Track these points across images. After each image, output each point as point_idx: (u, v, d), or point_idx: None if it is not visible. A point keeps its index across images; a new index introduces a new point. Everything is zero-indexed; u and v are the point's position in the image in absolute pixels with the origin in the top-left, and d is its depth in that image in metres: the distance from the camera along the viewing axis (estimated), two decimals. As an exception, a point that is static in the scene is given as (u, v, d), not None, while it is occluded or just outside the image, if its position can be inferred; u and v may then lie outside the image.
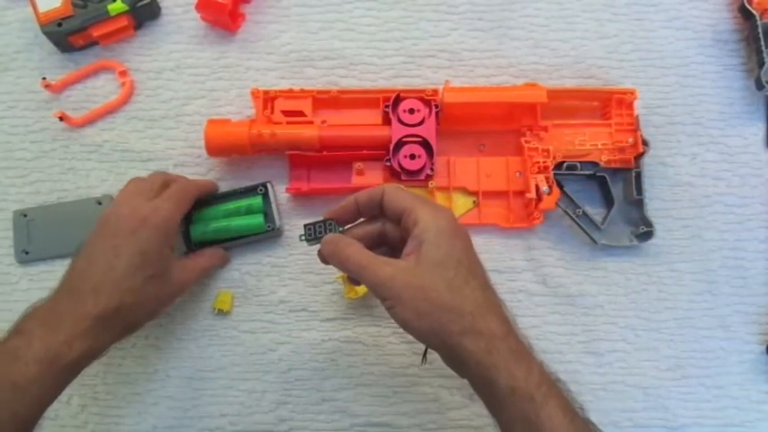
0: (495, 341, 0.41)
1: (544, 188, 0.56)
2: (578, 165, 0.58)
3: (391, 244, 0.47)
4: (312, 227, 0.47)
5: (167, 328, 0.59)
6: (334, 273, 0.58)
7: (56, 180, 0.61)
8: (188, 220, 0.58)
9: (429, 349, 0.44)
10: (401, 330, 0.57)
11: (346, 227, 0.47)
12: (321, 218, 0.47)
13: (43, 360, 0.44)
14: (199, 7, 0.61)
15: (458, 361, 0.42)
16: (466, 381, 0.57)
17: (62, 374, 0.46)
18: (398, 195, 0.44)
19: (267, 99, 0.59)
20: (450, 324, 0.41)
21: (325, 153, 0.58)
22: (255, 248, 0.60)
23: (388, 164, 0.57)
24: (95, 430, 0.57)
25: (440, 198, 0.58)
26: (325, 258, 0.46)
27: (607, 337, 0.58)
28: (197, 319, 0.59)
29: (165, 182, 0.54)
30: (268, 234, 0.58)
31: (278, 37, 0.63)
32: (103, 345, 0.48)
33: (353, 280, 0.49)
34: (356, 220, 0.47)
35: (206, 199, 0.58)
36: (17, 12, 0.64)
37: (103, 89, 0.63)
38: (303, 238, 0.47)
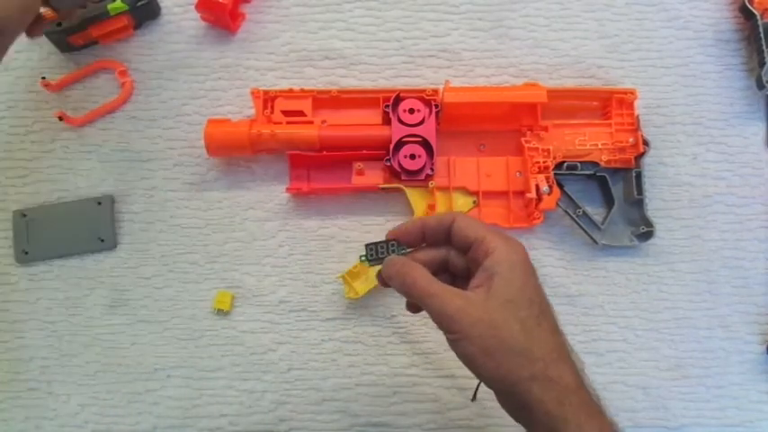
0: (568, 392, 0.38)
1: (544, 188, 0.56)
2: (578, 165, 0.58)
3: (453, 272, 0.45)
4: (374, 247, 0.45)
5: (167, 327, 0.59)
6: (334, 273, 0.59)
7: (55, 180, 0.61)
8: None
9: (473, 382, 0.42)
10: (401, 330, 0.58)
11: (408, 250, 0.45)
12: (383, 239, 0.45)
13: None
14: (199, 7, 0.61)
15: (522, 407, 0.39)
16: (467, 381, 0.57)
17: None
18: (470, 224, 0.42)
19: (267, 99, 0.59)
20: (519, 368, 0.38)
21: (325, 153, 0.58)
22: (255, 248, 0.60)
23: (388, 164, 0.57)
24: (95, 430, 0.57)
25: (440, 198, 0.58)
26: (385, 280, 0.44)
27: (607, 337, 0.58)
28: (197, 319, 0.59)
29: None
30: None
31: (278, 37, 0.63)
32: None
33: (413, 305, 0.46)
34: (419, 244, 0.45)
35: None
36: (17, 11, 0.64)
37: (103, 89, 0.62)
38: (363, 258, 0.45)
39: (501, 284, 0.39)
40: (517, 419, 0.40)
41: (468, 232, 0.42)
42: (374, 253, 0.45)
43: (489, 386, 0.40)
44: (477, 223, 0.43)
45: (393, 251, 0.44)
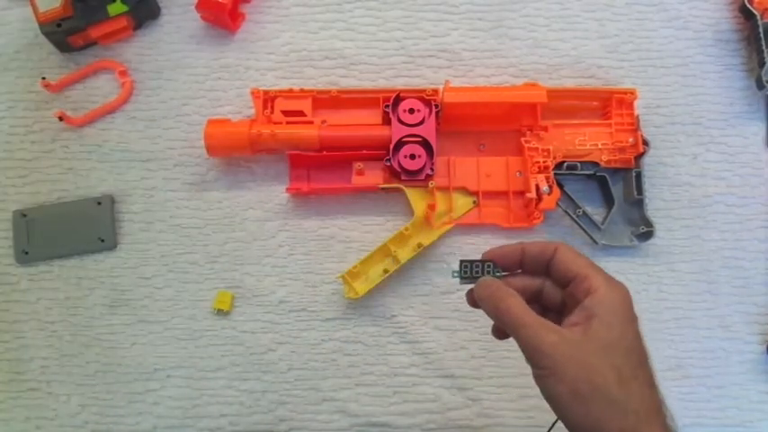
0: None
1: (544, 188, 0.56)
2: (578, 165, 0.58)
3: (545, 304, 0.43)
4: (469, 265, 0.43)
5: (167, 327, 0.59)
6: (334, 273, 0.59)
7: (55, 180, 0.61)
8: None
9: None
10: (401, 330, 0.58)
11: (503, 273, 0.43)
12: (479, 257, 0.44)
13: None
14: (199, 7, 0.61)
15: None
16: (467, 381, 0.57)
17: None
18: (573, 258, 0.41)
19: (267, 99, 0.59)
20: (609, 419, 0.35)
21: (325, 153, 0.58)
22: (255, 248, 0.60)
23: (388, 164, 0.57)
24: (95, 430, 0.57)
25: (440, 198, 0.58)
26: (475, 301, 0.42)
27: (607, 337, 0.58)
28: (197, 319, 0.59)
29: None
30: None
31: (278, 37, 0.63)
32: None
33: (500, 331, 0.44)
34: (516, 269, 0.43)
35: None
36: (17, 12, 0.64)
37: (103, 89, 0.62)
38: (456, 274, 0.43)
39: (600, 328, 0.37)
40: None
41: (570, 266, 0.40)
42: (468, 271, 0.43)
43: (570, 430, 0.37)
44: (582, 258, 0.41)
45: (488, 272, 0.43)
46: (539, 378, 0.38)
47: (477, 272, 0.43)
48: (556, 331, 0.38)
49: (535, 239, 0.44)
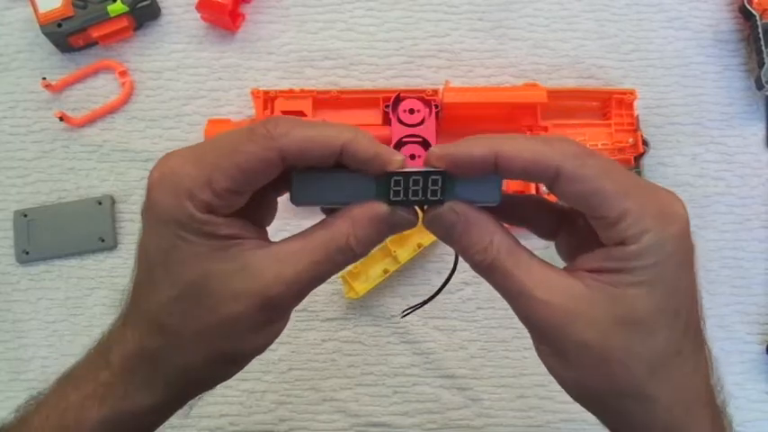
0: None
1: (544, 188, 0.56)
2: (578, 165, 0.58)
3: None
4: (403, 181, 0.27)
5: (167, 328, 0.59)
6: (334, 273, 0.59)
7: (56, 180, 0.61)
8: None
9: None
10: (401, 330, 0.58)
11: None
12: (416, 168, 0.27)
13: None
14: (199, 7, 0.61)
15: None
16: (467, 381, 0.57)
17: None
18: (593, 184, 0.27)
19: (267, 99, 0.59)
20: (631, 415, 0.27)
21: (325, 153, 0.58)
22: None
23: (388, 164, 0.57)
24: (95, 430, 0.57)
25: (440, 198, 0.58)
26: (432, 228, 0.28)
27: (607, 337, 0.58)
28: (197, 319, 0.59)
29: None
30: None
31: (278, 37, 0.63)
32: (136, 407, 0.29)
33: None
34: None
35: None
36: (17, 12, 0.64)
37: (103, 89, 0.62)
38: (384, 194, 0.28)
39: (635, 295, 0.26)
40: None
41: (591, 200, 0.27)
42: (403, 191, 0.27)
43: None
44: (610, 179, 0.26)
45: (434, 194, 0.27)
46: (538, 351, 0.28)
47: (416, 193, 0.27)
48: (564, 290, 0.27)
49: (516, 137, 0.29)
